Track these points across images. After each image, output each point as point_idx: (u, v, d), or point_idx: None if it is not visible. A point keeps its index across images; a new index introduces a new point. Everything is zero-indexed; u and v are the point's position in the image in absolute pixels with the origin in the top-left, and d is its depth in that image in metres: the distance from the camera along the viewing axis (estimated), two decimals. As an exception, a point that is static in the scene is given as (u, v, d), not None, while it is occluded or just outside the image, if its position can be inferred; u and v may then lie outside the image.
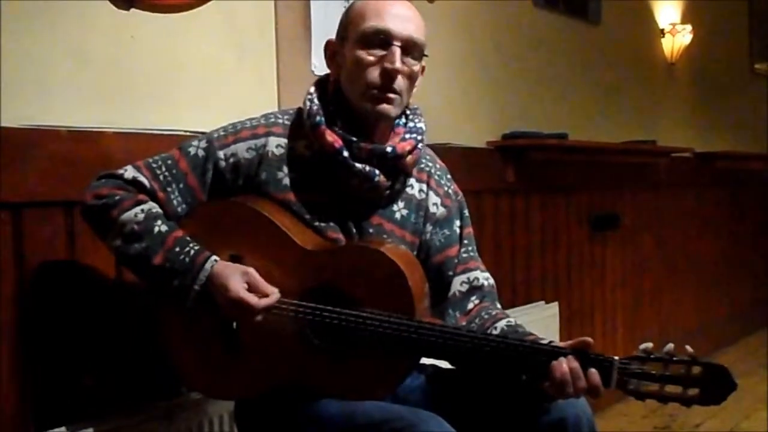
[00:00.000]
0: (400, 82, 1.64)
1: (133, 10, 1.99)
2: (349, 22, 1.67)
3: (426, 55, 1.69)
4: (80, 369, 1.86)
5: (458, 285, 1.77)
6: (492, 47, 3.37)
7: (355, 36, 1.64)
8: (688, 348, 1.52)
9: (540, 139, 3.41)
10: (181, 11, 2.10)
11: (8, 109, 1.74)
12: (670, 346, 1.52)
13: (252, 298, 1.54)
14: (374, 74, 1.63)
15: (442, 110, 3.00)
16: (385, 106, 1.64)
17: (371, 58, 1.62)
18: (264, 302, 1.55)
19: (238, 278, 1.55)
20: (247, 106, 2.21)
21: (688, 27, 4.79)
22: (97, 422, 1.83)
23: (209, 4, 2.16)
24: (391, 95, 1.64)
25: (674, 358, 1.50)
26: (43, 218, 1.79)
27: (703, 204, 5.12)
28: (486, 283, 1.79)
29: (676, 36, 4.77)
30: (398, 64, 1.62)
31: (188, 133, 1.99)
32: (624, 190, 4.25)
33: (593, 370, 1.51)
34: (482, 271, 1.80)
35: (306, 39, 2.49)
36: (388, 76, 1.62)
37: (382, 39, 1.62)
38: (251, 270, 1.57)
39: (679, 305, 4.80)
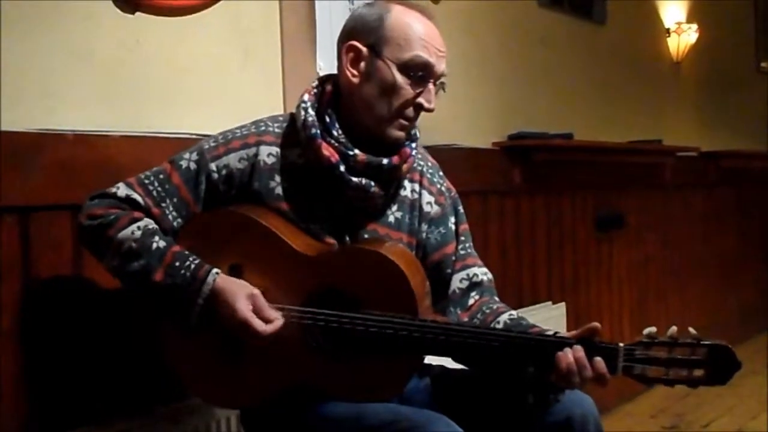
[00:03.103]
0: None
1: (138, 13, 1.99)
2: (388, 36, 1.62)
3: None
4: (86, 372, 1.86)
5: (457, 282, 1.77)
6: (497, 47, 3.37)
7: (397, 59, 1.61)
8: (692, 330, 1.52)
9: (545, 140, 3.41)
10: (185, 14, 2.11)
11: (14, 113, 1.75)
12: (674, 329, 1.53)
13: (259, 324, 1.53)
14: (408, 106, 1.63)
15: (447, 111, 3.00)
16: (403, 135, 1.67)
17: (410, 90, 1.62)
18: (269, 329, 1.54)
19: (244, 300, 1.54)
20: (253, 108, 2.21)
21: (694, 26, 4.78)
22: (102, 426, 1.84)
23: (214, 6, 2.16)
24: (412, 125, 1.68)
25: (678, 341, 1.51)
26: (49, 222, 1.80)
27: (709, 203, 5.11)
28: (485, 278, 1.79)
29: (681, 35, 4.77)
30: (434, 105, 1.65)
31: (194, 136, 1.99)
32: (630, 189, 4.24)
33: (599, 359, 1.52)
34: (480, 266, 1.80)
35: (311, 40, 2.50)
36: (419, 111, 1.65)
37: (423, 74, 1.62)
38: (257, 292, 1.56)
39: (685, 305, 4.78)
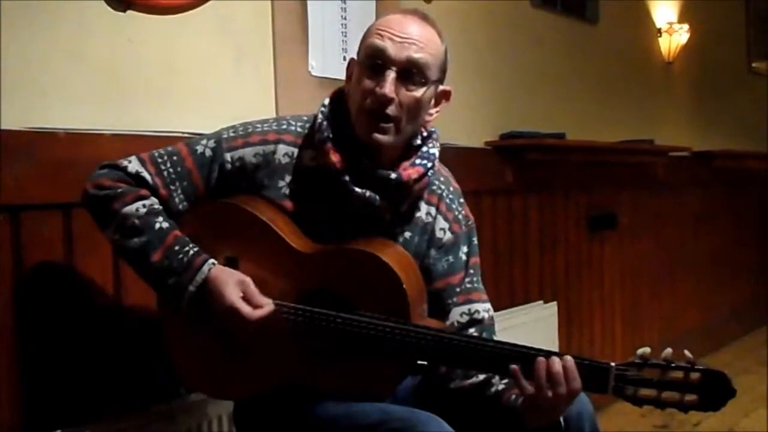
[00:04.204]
0: (393, 110, 1.56)
1: (129, 12, 1.99)
2: (362, 39, 1.62)
3: (440, 80, 1.63)
4: (79, 371, 1.86)
5: (457, 315, 1.72)
6: (489, 47, 3.37)
7: (361, 56, 1.60)
8: (687, 353, 1.49)
9: (538, 139, 3.41)
10: (177, 13, 2.11)
11: (6, 111, 1.74)
12: (668, 351, 1.49)
13: (246, 308, 1.52)
14: (368, 100, 1.56)
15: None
16: (376, 136, 1.57)
17: (369, 82, 1.56)
18: (257, 314, 1.53)
19: (233, 286, 1.54)
20: (244, 108, 2.22)
21: (686, 26, 4.80)
22: (95, 424, 1.83)
23: (206, 5, 2.16)
24: (384, 124, 1.57)
25: (672, 364, 1.47)
26: (41, 220, 1.79)
27: (701, 203, 5.12)
28: (486, 315, 1.74)
29: (673, 35, 4.78)
30: (387, 90, 1.54)
31: (186, 135, 1.99)
32: (622, 189, 4.25)
33: (568, 357, 1.49)
34: (484, 302, 1.75)
35: (303, 41, 2.49)
36: (379, 103, 1.55)
37: (379, 62, 1.56)
38: (248, 279, 1.56)
39: (677, 304, 4.80)
